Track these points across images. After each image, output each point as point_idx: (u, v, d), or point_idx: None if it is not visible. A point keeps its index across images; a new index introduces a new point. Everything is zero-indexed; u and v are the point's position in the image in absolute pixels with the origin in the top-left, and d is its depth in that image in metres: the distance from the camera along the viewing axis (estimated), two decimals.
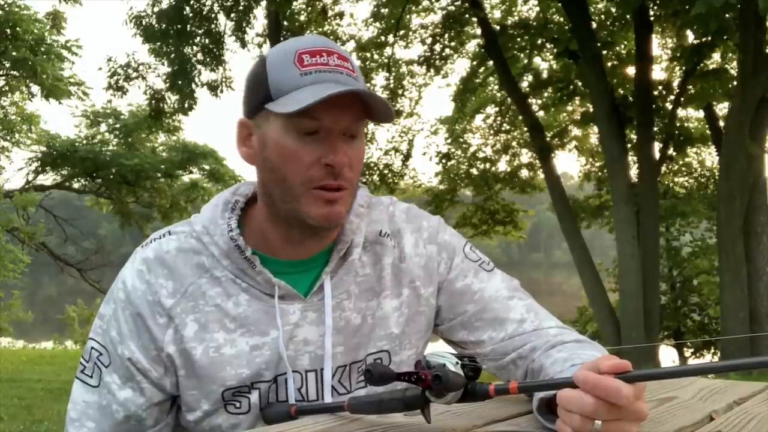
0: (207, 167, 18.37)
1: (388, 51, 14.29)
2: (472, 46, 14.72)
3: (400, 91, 14.81)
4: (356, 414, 0.92)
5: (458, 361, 0.80)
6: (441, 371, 0.78)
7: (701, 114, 13.38)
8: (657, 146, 11.96)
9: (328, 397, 1.04)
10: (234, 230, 1.03)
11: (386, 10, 13.69)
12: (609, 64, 12.25)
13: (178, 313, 1.02)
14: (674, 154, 13.74)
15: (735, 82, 10.33)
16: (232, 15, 12.85)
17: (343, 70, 0.98)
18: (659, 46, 14.29)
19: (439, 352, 0.82)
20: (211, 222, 1.05)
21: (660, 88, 12.88)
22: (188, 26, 12.60)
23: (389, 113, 1.00)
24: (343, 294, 1.07)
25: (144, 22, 12.46)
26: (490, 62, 13.48)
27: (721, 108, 13.00)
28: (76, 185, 18.61)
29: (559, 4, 11.40)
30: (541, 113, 14.59)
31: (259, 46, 13.84)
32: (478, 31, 13.06)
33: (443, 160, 16.01)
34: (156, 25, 12.44)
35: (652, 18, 11.21)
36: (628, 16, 11.69)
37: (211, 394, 1.02)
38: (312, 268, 1.07)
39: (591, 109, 12.14)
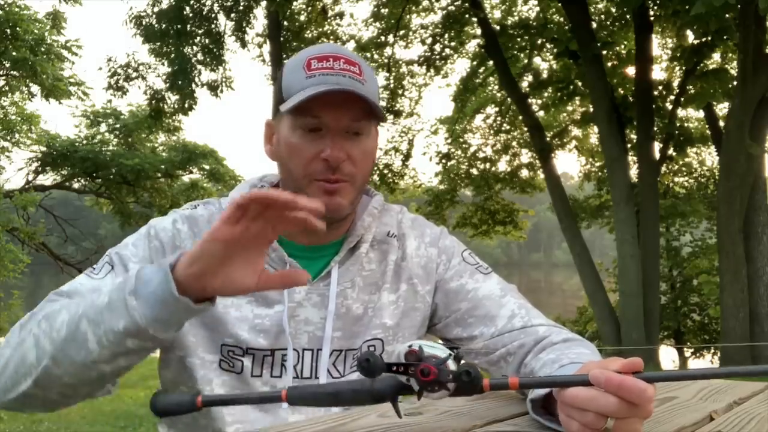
0: (207, 167, 18.37)
1: (388, 51, 14.31)
2: (472, 46, 14.75)
3: (400, 91, 14.82)
4: (297, 406, 0.84)
5: (451, 353, 0.78)
6: (466, 368, 0.76)
7: (701, 114, 13.38)
8: (657, 146, 11.96)
9: (323, 377, 1.10)
10: None
11: (386, 10, 13.69)
12: (609, 64, 12.25)
13: None
14: (674, 154, 13.74)
15: (735, 82, 10.33)
16: (232, 15, 12.86)
17: (347, 73, 1.06)
18: (659, 46, 14.32)
19: (429, 342, 0.79)
20: None
21: (660, 88, 12.89)
22: (188, 26, 12.61)
23: (380, 114, 1.08)
24: (348, 283, 1.14)
25: (144, 22, 12.48)
26: (490, 62, 13.49)
27: (721, 108, 13.00)
28: (76, 185, 18.60)
29: (559, 4, 11.41)
30: (541, 113, 14.59)
31: (259, 46, 13.87)
32: (478, 31, 13.07)
33: (443, 160, 16.02)
34: (156, 25, 12.45)
35: (652, 18, 11.21)
36: (628, 16, 11.70)
37: (210, 343, 1.09)
38: (322, 256, 1.15)
39: (591, 109, 12.14)
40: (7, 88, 15.31)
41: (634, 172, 11.93)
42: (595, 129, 13.25)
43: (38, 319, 0.96)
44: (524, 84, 14.14)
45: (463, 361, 0.78)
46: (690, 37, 11.89)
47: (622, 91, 12.29)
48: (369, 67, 1.11)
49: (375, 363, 0.76)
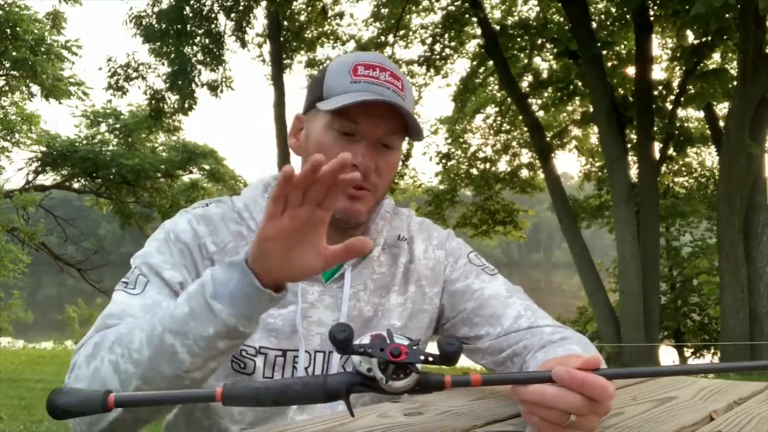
0: (207, 167, 18.37)
1: (388, 51, 14.28)
2: (472, 46, 14.74)
3: None
4: (233, 406, 0.78)
5: (418, 341, 0.77)
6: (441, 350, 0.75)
7: (701, 114, 13.37)
8: (657, 146, 11.95)
9: None
10: None
11: (386, 10, 13.69)
12: (609, 64, 12.24)
13: (219, 260, 1.09)
14: (674, 154, 13.73)
15: (735, 82, 10.33)
16: (232, 15, 12.86)
17: (390, 86, 1.09)
18: (659, 46, 14.31)
19: (397, 335, 0.78)
20: (252, 200, 1.17)
21: (660, 88, 12.88)
22: (188, 26, 12.61)
23: (419, 132, 1.10)
24: (360, 285, 1.16)
25: (144, 22, 12.47)
26: (490, 62, 13.48)
27: (721, 108, 12.99)
28: (76, 185, 18.61)
29: (559, 4, 11.40)
30: (541, 113, 14.59)
31: (259, 46, 13.86)
32: (478, 31, 13.06)
33: (443, 160, 16.02)
34: (156, 25, 12.45)
35: (652, 18, 11.21)
36: (628, 16, 11.69)
37: None
38: None
39: (591, 109, 12.14)
40: (7, 88, 15.32)
41: (634, 172, 11.92)
42: (595, 129, 13.25)
43: (108, 346, 0.94)
44: (524, 84, 14.13)
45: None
46: (690, 37, 11.88)
47: (622, 91, 12.28)
48: (409, 84, 1.14)
49: (350, 335, 0.74)
